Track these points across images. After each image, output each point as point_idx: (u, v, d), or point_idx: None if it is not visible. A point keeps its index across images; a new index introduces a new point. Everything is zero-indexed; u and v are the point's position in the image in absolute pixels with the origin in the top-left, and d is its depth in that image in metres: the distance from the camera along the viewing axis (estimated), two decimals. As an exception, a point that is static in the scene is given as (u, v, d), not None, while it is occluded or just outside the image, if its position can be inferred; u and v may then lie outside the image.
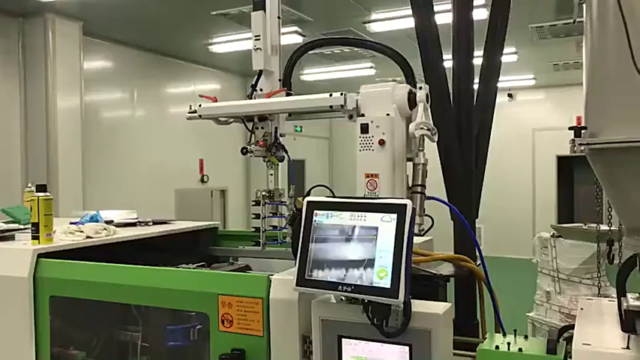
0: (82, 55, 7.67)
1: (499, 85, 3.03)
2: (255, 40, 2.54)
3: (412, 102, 2.04)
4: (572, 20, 1.91)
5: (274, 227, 2.66)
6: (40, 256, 2.39)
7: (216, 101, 2.54)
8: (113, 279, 2.25)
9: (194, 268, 2.68)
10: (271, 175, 2.61)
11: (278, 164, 2.59)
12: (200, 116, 2.55)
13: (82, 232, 2.65)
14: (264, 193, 2.56)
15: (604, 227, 2.75)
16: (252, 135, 2.53)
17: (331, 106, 2.17)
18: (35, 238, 2.48)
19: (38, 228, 2.47)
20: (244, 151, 2.49)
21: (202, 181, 10.55)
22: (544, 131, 13.10)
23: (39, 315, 2.36)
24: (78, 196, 7.40)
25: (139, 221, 3.22)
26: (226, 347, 1.91)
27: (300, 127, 13.09)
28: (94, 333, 2.58)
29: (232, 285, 1.98)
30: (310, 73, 10.79)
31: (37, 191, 2.54)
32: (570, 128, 1.74)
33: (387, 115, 1.99)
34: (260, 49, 2.52)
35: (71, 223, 2.81)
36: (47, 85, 7.27)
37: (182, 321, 2.27)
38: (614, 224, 2.57)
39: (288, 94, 2.49)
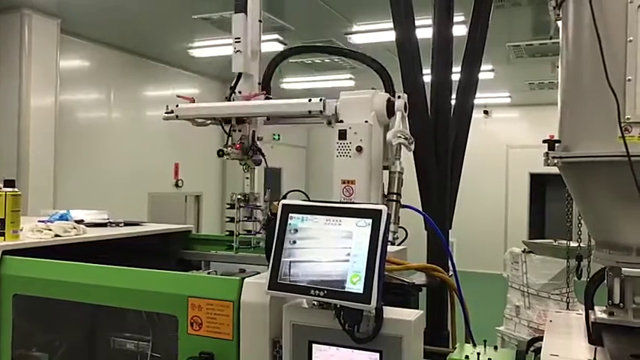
0: (59, 53, 7.55)
1: (475, 101, 3.07)
2: (236, 42, 2.52)
3: (390, 110, 2.05)
4: (549, 36, 1.95)
5: (248, 232, 2.64)
6: (4, 253, 2.32)
7: (193, 102, 2.52)
8: (80, 278, 2.19)
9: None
10: (247, 178, 2.59)
11: (254, 168, 2.58)
12: (177, 117, 2.53)
13: (50, 230, 2.59)
14: (239, 197, 2.53)
15: (574, 244, 2.79)
16: (229, 137, 2.51)
17: (310, 112, 2.18)
18: (0, 234, 2.40)
19: (4, 224, 2.40)
20: (220, 154, 2.47)
21: (177, 185, 10.44)
22: (518, 149, 13.34)
23: (1, 314, 2.29)
24: (48, 196, 7.25)
25: (110, 222, 3.16)
26: (195, 350, 1.87)
27: (279, 135, 13.07)
28: (57, 334, 2.51)
29: (203, 287, 1.95)
30: (290, 82, 10.81)
31: (4, 186, 2.47)
32: (544, 141, 1.77)
33: (366, 122, 2.00)
34: (240, 52, 2.51)
35: (40, 221, 2.75)
36: (21, 82, 7.13)
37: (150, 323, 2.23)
38: (584, 241, 2.62)
39: (267, 99, 2.49)
